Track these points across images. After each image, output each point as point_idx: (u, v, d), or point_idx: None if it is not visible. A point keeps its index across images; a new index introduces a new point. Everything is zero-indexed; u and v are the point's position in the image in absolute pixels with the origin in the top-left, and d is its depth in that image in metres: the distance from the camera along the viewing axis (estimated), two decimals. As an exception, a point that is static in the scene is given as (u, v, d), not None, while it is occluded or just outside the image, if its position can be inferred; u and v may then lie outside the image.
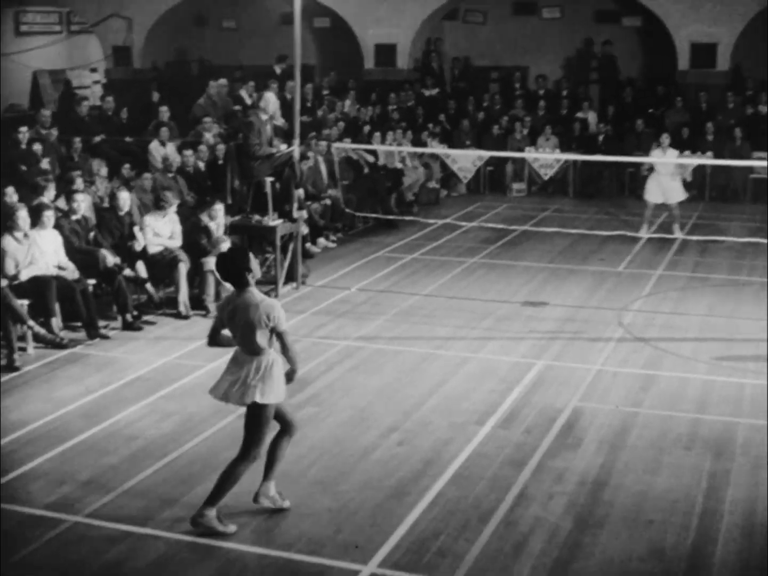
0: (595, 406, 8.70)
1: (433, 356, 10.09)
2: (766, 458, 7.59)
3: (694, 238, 15.17)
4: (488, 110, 21.82)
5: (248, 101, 18.61)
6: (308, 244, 14.36)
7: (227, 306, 6.55)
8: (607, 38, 23.19)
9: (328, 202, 15.68)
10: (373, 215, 16.72)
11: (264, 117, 12.54)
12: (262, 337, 6.38)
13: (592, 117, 20.96)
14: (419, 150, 18.88)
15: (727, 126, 19.84)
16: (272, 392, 6.41)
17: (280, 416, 6.67)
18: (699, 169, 19.28)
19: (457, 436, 8.04)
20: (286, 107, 15.45)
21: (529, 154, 19.38)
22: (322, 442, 7.92)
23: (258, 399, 6.37)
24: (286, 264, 12.64)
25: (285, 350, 6.50)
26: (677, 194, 15.95)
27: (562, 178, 20.03)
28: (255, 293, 6.44)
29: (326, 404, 8.76)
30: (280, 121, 15.22)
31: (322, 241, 15.17)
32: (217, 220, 12.13)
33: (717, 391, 9.11)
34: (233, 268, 6.42)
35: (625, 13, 23.22)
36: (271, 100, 12.67)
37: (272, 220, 12.38)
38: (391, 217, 16.77)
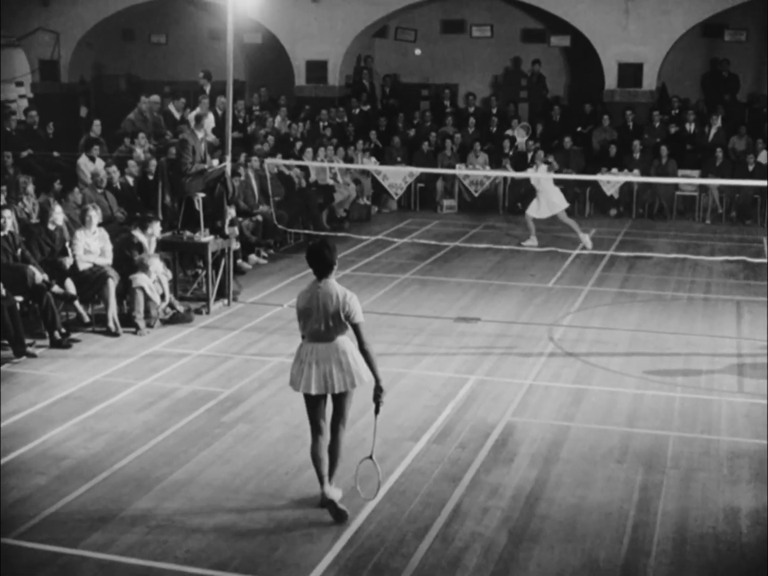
0: (527, 420, 8.76)
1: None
2: (697, 470, 7.71)
3: (622, 254, 15.39)
4: (419, 127, 21.98)
5: (177, 116, 18.47)
6: (240, 261, 14.28)
7: (306, 294, 6.89)
8: (535, 57, 23.51)
9: (259, 218, 15.62)
10: (305, 231, 16.69)
11: (200, 135, 12.48)
12: (339, 324, 6.78)
13: (520, 135, 21.17)
14: (350, 166, 18.91)
15: (654, 144, 20.22)
16: (365, 371, 6.90)
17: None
18: (626, 187, 19.62)
19: (391, 452, 8.03)
20: (217, 123, 15.39)
21: (459, 171, 19.53)
22: (256, 460, 7.85)
23: (365, 379, 6.90)
24: (218, 280, 12.55)
25: (360, 341, 6.84)
26: (559, 205, 16.47)
27: (493, 195, 20.20)
28: (335, 284, 6.86)
29: (259, 421, 8.70)
30: (211, 137, 15.15)
31: (253, 257, 15.11)
32: (153, 236, 11.99)
33: (647, 404, 9.23)
34: (322, 259, 6.81)
35: (553, 32, 23.57)
36: (211, 120, 12.61)
37: (203, 237, 12.29)
38: (322, 233, 16.72)
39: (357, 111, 22.32)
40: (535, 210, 16.53)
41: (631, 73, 21.44)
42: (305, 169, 17.96)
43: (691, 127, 20.97)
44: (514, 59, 24.63)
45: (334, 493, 7.01)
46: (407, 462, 7.84)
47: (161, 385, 9.55)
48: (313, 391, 6.85)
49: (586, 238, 16.30)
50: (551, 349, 10.94)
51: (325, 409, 7.04)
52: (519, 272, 14.70)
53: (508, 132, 21.03)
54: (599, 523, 6.84)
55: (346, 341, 6.93)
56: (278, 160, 17.12)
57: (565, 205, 16.56)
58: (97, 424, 8.59)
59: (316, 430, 7.01)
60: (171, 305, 11.83)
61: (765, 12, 21.88)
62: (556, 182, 16.73)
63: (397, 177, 20.01)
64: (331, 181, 18.43)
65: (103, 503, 7.06)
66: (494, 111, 22.36)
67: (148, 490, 7.26)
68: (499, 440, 8.31)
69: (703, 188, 19.33)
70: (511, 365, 10.35)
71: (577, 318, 12.29)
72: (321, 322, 6.83)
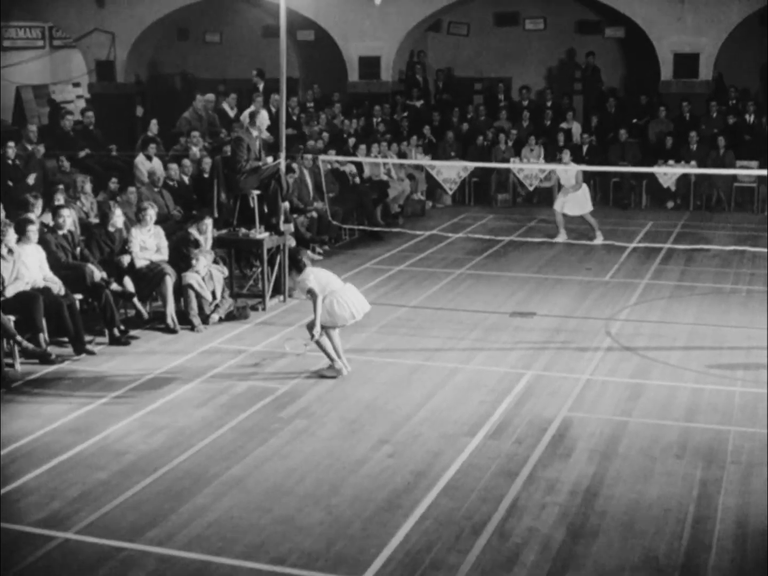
0: (584, 415, 8.70)
1: (422, 368, 10.08)
2: (758, 465, 7.61)
3: (680, 246, 15.23)
4: (472, 121, 21.89)
5: (231, 115, 18.60)
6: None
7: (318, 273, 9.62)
8: (590, 49, 23.30)
9: (314, 214, 15.67)
10: (359, 227, 16.73)
11: (255, 133, 12.55)
12: None
13: (576, 128, 21.02)
14: (404, 162, 18.92)
15: (711, 135, 19.94)
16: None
17: None
18: (683, 179, 19.39)
19: (447, 447, 8.02)
20: (272, 121, 15.45)
21: (513, 165, 19.45)
22: (312, 456, 7.89)
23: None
24: (273, 277, 12.62)
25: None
26: (583, 206, 16.25)
27: (547, 189, 20.07)
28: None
29: (316, 417, 8.73)
30: (265, 135, 15.21)
31: (309, 253, 15.15)
32: (206, 233, 12.11)
33: (706, 399, 9.12)
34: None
35: (607, 23, 23.36)
36: (264, 117, 12.68)
37: (259, 234, 12.36)
38: (377, 229, 16.78)
39: (404, 111, 22.17)
40: (562, 206, 16.32)
41: (687, 63, 21.16)
42: (359, 165, 17.99)
43: (750, 117, 20.66)
44: (569, 51, 24.43)
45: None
46: (464, 457, 7.82)
47: (219, 382, 9.63)
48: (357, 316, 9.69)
49: (600, 236, 16.14)
50: (608, 344, 10.85)
51: None
52: (575, 266, 14.60)
53: (563, 125, 20.88)
54: (658, 519, 6.77)
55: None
56: (332, 157, 17.17)
57: (591, 207, 16.43)
58: (157, 419, 8.69)
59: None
60: (226, 301, 11.89)
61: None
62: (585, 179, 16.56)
63: (451, 172, 19.97)
64: (385, 177, 18.43)
65: (163, 498, 7.14)
66: (549, 104, 22.20)
67: (207, 485, 7.32)
68: (556, 435, 8.26)
69: (761, 179, 19.00)
70: (568, 360, 10.28)
71: (634, 312, 12.18)
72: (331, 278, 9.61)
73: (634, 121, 21.27)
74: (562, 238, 16.20)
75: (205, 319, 11.57)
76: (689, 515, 6.83)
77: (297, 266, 9.73)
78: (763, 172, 18.29)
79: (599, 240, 16.00)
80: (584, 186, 16.32)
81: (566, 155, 16.42)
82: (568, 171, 16.19)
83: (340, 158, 17.42)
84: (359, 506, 7.01)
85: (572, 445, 8.05)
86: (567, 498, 7.11)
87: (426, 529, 6.68)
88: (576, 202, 16.14)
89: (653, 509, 6.91)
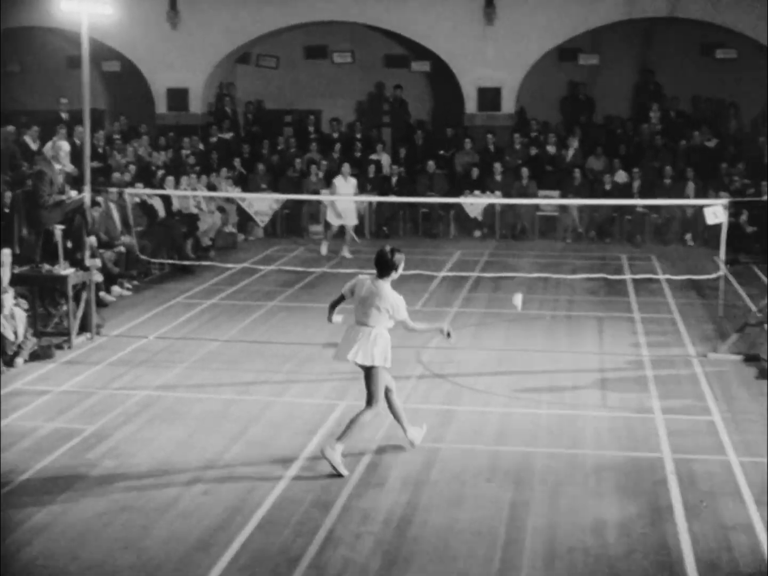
0: (398, 443, 8.78)
1: (236, 402, 9.96)
2: (565, 485, 7.85)
3: (487, 275, 15.64)
4: (283, 153, 21.96)
5: (33, 147, 18.02)
6: (102, 293, 13.99)
7: (363, 285, 8.23)
8: (397, 82, 23.78)
9: (122, 249, 15.32)
10: (169, 261, 16.46)
11: (58, 166, 12.19)
12: (379, 317, 8.17)
13: (385, 159, 21.40)
14: (215, 194, 18.76)
15: (515, 166, 20.68)
16: (380, 358, 8.13)
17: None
18: (489, 209, 19.98)
19: (262, 482, 7.93)
20: (76, 153, 15.05)
21: (325, 197, 19.59)
22: (123, 497, 7.64)
23: (377, 362, 8.12)
24: (80, 314, 12.23)
25: (408, 328, 8.46)
26: (351, 218, 17.99)
27: (359, 219, 20.28)
28: (387, 287, 8.19)
29: (125, 457, 8.48)
30: (69, 168, 14.79)
31: (116, 289, 14.80)
32: (4, 268, 11.59)
33: (514, 422, 9.37)
34: (387, 262, 8.12)
35: (414, 58, 23.89)
36: (63, 148, 12.33)
37: (63, 269, 11.97)
38: (187, 262, 16.55)
39: (215, 139, 22.08)
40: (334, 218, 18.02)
41: (490, 97, 21.93)
42: (168, 199, 17.72)
43: (551, 148, 21.52)
44: (377, 84, 24.87)
45: (333, 451, 8.07)
46: (278, 491, 7.74)
47: (22, 424, 9.23)
48: (336, 358, 8.38)
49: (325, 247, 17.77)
50: (420, 372, 11.01)
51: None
52: (387, 296, 14.74)
53: (373, 156, 21.19)
54: (470, 543, 6.88)
55: (380, 331, 8.19)
56: (139, 190, 16.85)
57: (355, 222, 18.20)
58: None
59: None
60: (29, 341, 11.43)
61: (616, 36, 22.70)
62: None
63: (263, 204, 19.94)
64: (195, 210, 18.23)
65: None
66: (359, 136, 22.51)
67: (11, 533, 6.99)
68: (370, 465, 8.30)
69: (563, 208, 19.83)
70: (381, 389, 10.35)
71: (445, 340, 12.36)
72: (367, 312, 8.17)
73: (441, 152, 21.85)
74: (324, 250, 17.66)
75: (9, 361, 11.08)
76: (500, 537, 6.97)
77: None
78: (563, 201, 19.14)
79: (347, 254, 17.60)
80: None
81: (346, 169, 18.01)
82: (348, 184, 17.84)
83: (148, 191, 17.12)
84: (172, 547, 6.83)
85: (386, 474, 8.11)
86: (381, 527, 7.14)
87: (241, 566, 6.57)
88: (347, 213, 17.78)
89: (465, 533, 7.02)
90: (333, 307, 8.69)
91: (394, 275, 8.25)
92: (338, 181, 17.74)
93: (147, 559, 6.65)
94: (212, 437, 8.94)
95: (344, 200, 17.29)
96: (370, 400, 8.24)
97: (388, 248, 8.21)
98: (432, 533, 7.03)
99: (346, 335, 8.35)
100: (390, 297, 8.17)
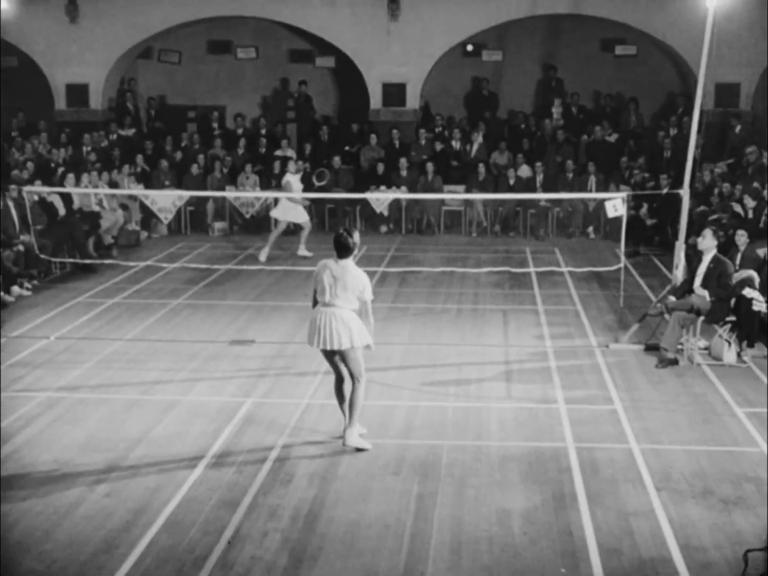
0: (305, 439, 8.76)
1: (140, 402, 9.81)
2: (470, 476, 7.92)
3: (394, 269, 15.69)
4: (186, 150, 21.70)
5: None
6: (1, 293, 13.65)
7: (326, 267, 8.32)
8: (302, 78, 23.69)
9: (21, 248, 14.96)
10: (70, 260, 16.14)
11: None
12: (349, 297, 8.29)
13: (291, 155, 21.28)
14: (117, 191, 18.45)
15: (420, 161, 20.77)
16: (358, 339, 8.31)
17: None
18: (395, 204, 20.02)
19: (167, 482, 7.84)
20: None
21: (229, 193, 19.43)
22: (23, 502, 7.48)
23: (356, 344, 8.29)
24: (-22, 315, 11.94)
25: (367, 314, 8.51)
26: (301, 215, 17.53)
27: (264, 216, 20.17)
28: (353, 265, 8.36)
29: (27, 460, 8.29)
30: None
31: (16, 289, 14.45)
32: None
33: (421, 415, 9.41)
34: (346, 243, 8.27)
35: (318, 53, 23.83)
36: None
37: (-41, 269, 11.68)
38: (89, 261, 16.24)
39: (115, 136, 21.74)
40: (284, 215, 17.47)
41: (395, 92, 21.98)
42: (68, 196, 17.36)
43: (456, 144, 21.67)
44: (282, 80, 24.75)
45: (349, 434, 8.40)
46: (183, 491, 7.66)
47: None
48: (315, 346, 8.38)
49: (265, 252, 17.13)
50: (326, 368, 10.94)
51: (341, 362, 8.48)
52: (294, 292, 14.70)
53: (278, 152, 21.08)
54: (378, 537, 6.90)
55: (349, 312, 8.31)
56: (38, 188, 16.48)
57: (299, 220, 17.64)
58: None
59: (336, 377, 8.61)
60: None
61: (519, 32, 22.98)
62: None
63: (166, 201, 19.65)
64: (96, 208, 17.90)
65: None
66: (263, 132, 22.37)
67: None
68: (276, 461, 8.26)
69: (468, 203, 19.99)
70: (288, 385, 10.33)
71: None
72: (334, 293, 8.25)
73: (347, 148, 21.83)
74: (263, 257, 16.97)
75: None
76: (407, 530, 7.00)
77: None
78: (468, 195, 19.30)
79: (303, 252, 17.31)
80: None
81: (292, 165, 17.50)
82: (296, 179, 17.21)
83: (47, 189, 16.76)
84: (74, 550, 6.71)
85: (293, 470, 8.08)
86: (288, 523, 7.12)
87: (146, 567, 6.49)
88: (296, 211, 17.32)
89: (372, 527, 7.04)
90: (315, 305, 8.60)
91: (356, 253, 8.46)
92: (291, 178, 17.14)
93: (48, 564, 6.53)
94: (116, 438, 8.80)
95: (293, 197, 16.76)
96: (355, 377, 8.46)
97: (342, 230, 8.39)
98: (339, 528, 7.03)
99: (316, 321, 8.36)
100: (360, 276, 8.38)
